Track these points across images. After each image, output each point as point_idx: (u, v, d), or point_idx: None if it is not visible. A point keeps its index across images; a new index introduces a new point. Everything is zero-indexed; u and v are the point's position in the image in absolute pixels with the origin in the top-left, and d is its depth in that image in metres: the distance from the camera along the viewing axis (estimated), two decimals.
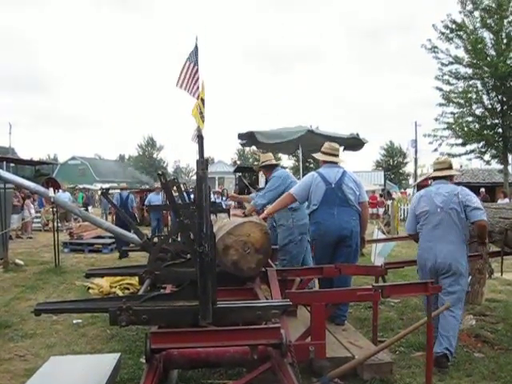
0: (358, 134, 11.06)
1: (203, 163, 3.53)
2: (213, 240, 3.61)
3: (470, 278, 5.44)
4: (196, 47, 10.20)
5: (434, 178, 5.61)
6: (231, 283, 4.75)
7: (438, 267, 5.16)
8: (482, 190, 25.55)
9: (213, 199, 16.65)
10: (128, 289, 8.28)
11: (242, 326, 3.74)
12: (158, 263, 4.35)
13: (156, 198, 15.69)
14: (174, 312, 3.67)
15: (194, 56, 9.98)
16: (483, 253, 5.91)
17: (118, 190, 16.47)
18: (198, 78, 10.05)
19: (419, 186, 44.76)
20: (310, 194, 5.81)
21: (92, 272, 6.43)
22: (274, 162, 7.09)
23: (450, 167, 5.61)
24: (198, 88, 10.05)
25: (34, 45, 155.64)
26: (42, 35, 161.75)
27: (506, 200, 20.09)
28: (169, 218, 17.23)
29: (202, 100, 9.98)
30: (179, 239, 5.38)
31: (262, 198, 6.41)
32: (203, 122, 9.86)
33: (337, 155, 6.14)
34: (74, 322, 6.69)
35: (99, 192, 39.55)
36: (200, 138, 3.73)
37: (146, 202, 16.49)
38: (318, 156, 6.24)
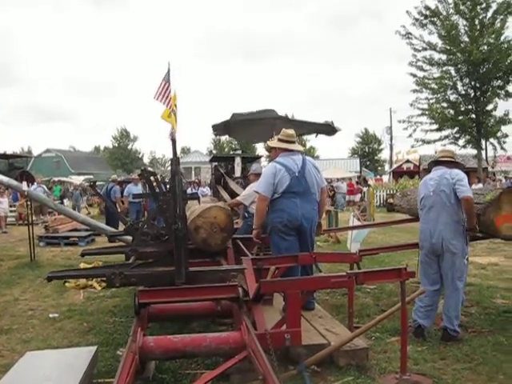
0: (332, 122, 11.09)
1: (176, 161, 4.77)
2: (185, 220, 4.79)
3: (467, 257, 5.52)
4: (168, 70, 12.57)
5: (436, 164, 5.73)
6: (203, 258, 5.80)
7: (433, 248, 5.40)
8: None
9: (189, 190, 16.76)
10: (104, 281, 8.24)
11: None
12: (143, 242, 5.55)
13: (135, 189, 15.63)
14: (156, 275, 4.85)
15: (167, 77, 12.01)
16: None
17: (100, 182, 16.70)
18: (168, 93, 12.00)
19: (395, 173, 45.30)
20: (274, 186, 5.63)
21: (87, 252, 7.41)
22: (295, 147, 5.99)
23: (451, 156, 5.74)
24: (169, 100, 11.90)
25: (2, 36, 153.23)
26: (11, 26, 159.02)
27: (480, 185, 20.37)
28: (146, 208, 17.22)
29: (175, 106, 11.06)
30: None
31: None
32: (176, 123, 10.55)
33: (293, 142, 5.95)
34: (51, 316, 6.64)
35: (74, 184, 39.20)
36: (173, 141, 4.91)
37: (125, 193, 16.40)
38: (275, 144, 6.09)
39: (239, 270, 5.01)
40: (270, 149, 7.18)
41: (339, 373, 4.43)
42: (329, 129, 11.16)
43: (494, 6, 22.12)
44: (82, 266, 9.12)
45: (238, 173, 15.47)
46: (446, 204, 5.32)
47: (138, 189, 15.71)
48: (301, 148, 6.09)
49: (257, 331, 4.03)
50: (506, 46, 21.97)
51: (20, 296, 7.85)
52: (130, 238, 7.04)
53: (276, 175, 5.62)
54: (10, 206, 21.56)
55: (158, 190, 5.64)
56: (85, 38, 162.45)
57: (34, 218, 14.20)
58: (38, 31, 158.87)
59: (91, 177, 45.49)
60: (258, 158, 21.82)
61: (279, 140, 6.00)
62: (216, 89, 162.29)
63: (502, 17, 22.09)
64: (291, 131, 6.04)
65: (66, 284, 8.39)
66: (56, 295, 7.83)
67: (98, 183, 20.17)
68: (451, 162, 5.64)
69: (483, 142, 25.56)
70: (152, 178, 5.40)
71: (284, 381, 3.81)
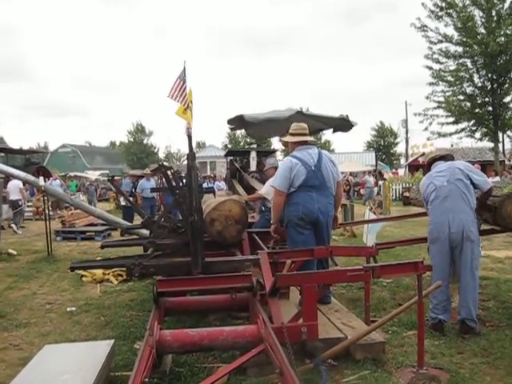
0: (347, 116, 11.01)
1: (192, 156, 5.01)
2: (200, 212, 4.97)
3: (481, 246, 5.53)
4: (184, 69, 11.86)
5: (434, 162, 5.79)
6: (219, 249, 5.93)
7: (451, 238, 5.27)
8: None
9: (205, 185, 16.78)
10: (121, 275, 8.29)
11: None
12: (160, 235, 5.59)
13: (148, 184, 15.63)
14: (174, 265, 5.05)
15: (182, 75, 11.72)
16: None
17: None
18: (184, 91, 11.76)
19: (410, 166, 45.00)
20: (290, 180, 5.63)
21: (106, 244, 7.71)
22: (308, 138, 6.09)
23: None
24: (184, 98, 11.64)
25: (17, 33, 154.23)
26: (25, 23, 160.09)
27: (497, 178, 20.19)
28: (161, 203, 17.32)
29: (191, 102, 10.87)
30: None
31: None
32: (191, 119, 10.44)
33: (306, 134, 5.97)
34: (68, 309, 6.70)
35: (90, 179, 39.46)
36: (189, 137, 5.31)
37: (137, 189, 16.42)
38: (288, 139, 6.03)
39: (253, 261, 5.15)
40: (286, 143, 7.16)
41: (356, 366, 4.42)
42: (344, 123, 11.06)
43: None
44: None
45: (253, 167, 15.46)
46: (464, 192, 5.28)
47: (150, 184, 15.68)
48: (312, 139, 6.08)
49: (273, 325, 4.04)
50: None
51: (38, 290, 7.92)
52: (145, 231, 7.12)
53: (292, 169, 5.60)
54: (28, 201, 21.71)
55: (174, 184, 5.72)
56: (99, 34, 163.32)
57: (50, 212, 14.30)
58: (52, 28, 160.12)
59: (107, 172, 45.75)
60: (274, 151, 21.78)
61: (291, 134, 5.97)
62: (229, 83, 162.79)
63: None
64: (303, 124, 6.04)
65: (83, 278, 8.45)
66: (73, 289, 7.89)
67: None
68: (446, 156, 5.81)
69: (500, 134, 25.34)
70: (169, 173, 5.54)
71: (301, 374, 3.81)
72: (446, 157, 5.81)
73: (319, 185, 5.63)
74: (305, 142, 5.89)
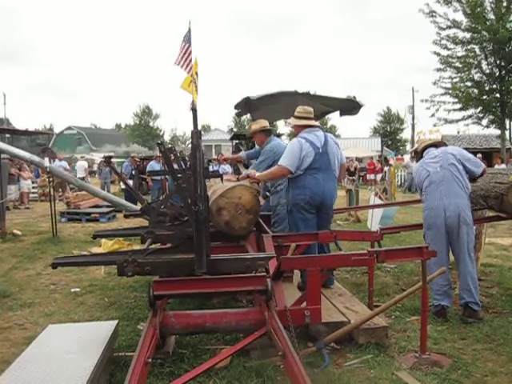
0: (354, 97, 10.93)
1: (197, 134, 4.17)
2: (206, 200, 4.18)
3: (475, 228, 5.54)
4: (189, 30, 11.42)
5: (424, 150, 5.88)
6: (226, 242, 5.26)
7: (448, 222, 5.27)
8: (479, 155, 25.42)
9: (210, 168, 16.71)
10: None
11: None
12: (160, 224, 4.78)
13: (157, 166, 15.70)
14: (174, 263, 4.18)
15: (187, 37, 11.11)
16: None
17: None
18: (189, 56, 11.17)
19: (416, 152, 44.78)
20: (300, 161, 5.56)
21: (99, 233, 7.14)
22: (313, 122, 6.00)
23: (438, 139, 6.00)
24: (190, 65, 11.04)
25: (22, 14, 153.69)
26: (30, 3, 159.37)
27: (503, 165, 20.12)
28: (166, 185, 17.32)
29: (196, 74, 10.51)
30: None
31: (257, 169, 6.49)
32: (197, 93, 10.15)
33: (312, 118, 5.91)
34: (72, 290, 6.73)
35: (97, 161, 39.48)
36: (194, 111, 4.30)
37: (148, 170, 16.44)
38: (293, 121, 5.98)
39: (268, 259, 4.40)
40: (251, 136, 7.33)
41: (358, 351, 4.44)
42: (353, 105, 10.98)
43: None
44: (103, 241, 9.19)
45: None
46: (458, 177, 5.32)
47: (160, 166, 15.74)
48: (317, 123, 6.05)
49: (277, 308, 4.04)
50: None
51: (42, 271, 7.96)
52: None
53: (302, 150, 5.54)
54: (33, 183, 21.73)
55: (177, 167, 5.11)
56: (106, 10, 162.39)
57: (59, 194, 14.31)
58: (57, 9, 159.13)
59: (112, 154, 45.72)
60: (279, 136, 21.71)
61: (296, 117, 5.91)
62: (236, 66, 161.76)
63: None
64: (309, 107, 5.99)
65: None
66: (77, 270, 7.91)
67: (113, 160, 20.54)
68: (438, 143, 5.91)
69: (507, 121, 25.20)
70: (171, 154, 4.79)
71: (303, 357, 3.82)
72: (438, 144, 5.86)
73: (325, 168, 5.59)
74: (310, 126, 5.82)
